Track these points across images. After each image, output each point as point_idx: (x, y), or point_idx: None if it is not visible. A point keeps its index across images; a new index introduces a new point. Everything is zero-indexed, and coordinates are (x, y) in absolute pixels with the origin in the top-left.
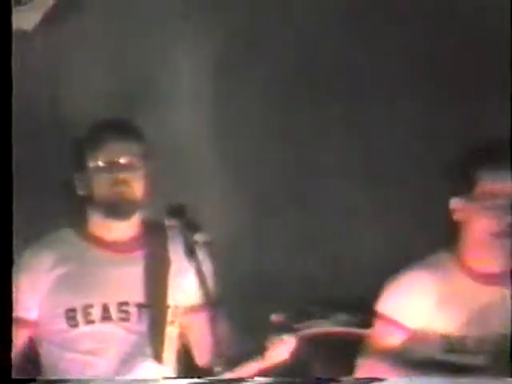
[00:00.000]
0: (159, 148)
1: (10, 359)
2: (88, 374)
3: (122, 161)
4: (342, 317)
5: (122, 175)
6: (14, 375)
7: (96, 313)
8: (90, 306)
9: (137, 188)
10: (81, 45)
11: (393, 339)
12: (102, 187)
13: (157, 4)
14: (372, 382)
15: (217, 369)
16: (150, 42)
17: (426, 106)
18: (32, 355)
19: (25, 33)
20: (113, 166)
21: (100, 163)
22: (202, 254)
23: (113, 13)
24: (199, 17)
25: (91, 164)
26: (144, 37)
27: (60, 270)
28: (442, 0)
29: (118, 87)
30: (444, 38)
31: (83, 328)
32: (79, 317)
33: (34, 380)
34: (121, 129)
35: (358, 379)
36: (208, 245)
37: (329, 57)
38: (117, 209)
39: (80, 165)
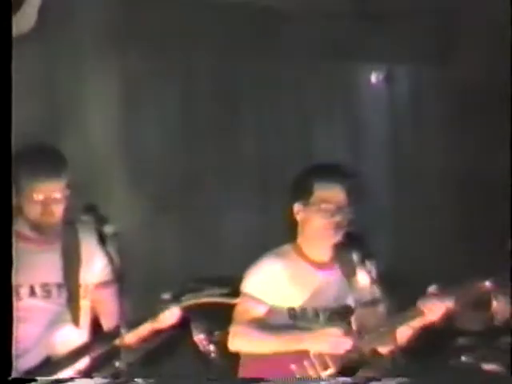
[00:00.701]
0: (78, 161)
1: (10, 359)
2: (18, 335)
3: (53, 196)
4: (215, 290)
5: (51, 208)
6: None
7: (24, 292)
8: (19, 286)
9: (59, 214)
10: None
11: (255, 312)
12: (32, 212)
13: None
14: (370, 381)
15: (122, 330)
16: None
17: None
18: None
19: None
20: (47, 200)
21: (36, 196)
22: (109, 242)
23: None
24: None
25: (28, 192)
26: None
27: None
28: None
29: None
30: None
31: (14, 304)
32: (19, 293)
33: (34, 380)
34: (51, 164)
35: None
36: (114, 235)
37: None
38: (41, 229)
39: (17, 183)
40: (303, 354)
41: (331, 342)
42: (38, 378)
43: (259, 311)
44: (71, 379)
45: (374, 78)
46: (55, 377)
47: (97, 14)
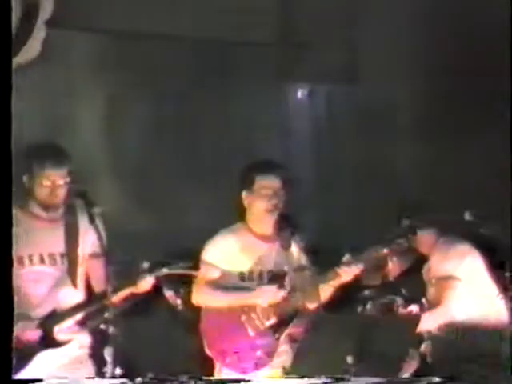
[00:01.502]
0: (74, 158)
1: (10, 359)
2: (31, 292)
3: (58, 183)
4: (182, 264)
5: (56, 191)
6: None
7: (35, 259)
8: (32, 255)
9: (62, 196)
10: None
11: (212, 275)
12: (41, 194)
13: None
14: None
15: (109, 291)
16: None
17: None
18: None
19: None
20: (53, 183)
21: (45, 180)
22: (98, 221)
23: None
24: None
25: (37, 178)
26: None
27: (13, 232)
28: None
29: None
30: None
31: (28, 268)
32: (25, 262)
33: (35, 380)
34: (58, 157)
35: None
36: (101, 215)
37: None
38: (48, 208)
39: (29, 172)
40: (250, 308)
41: (268, 295)
42: (44, 379)
43: (215, 274)
44: (76, 380)
45: (299, 94)
46: (61, 378)
47: (89, 48)
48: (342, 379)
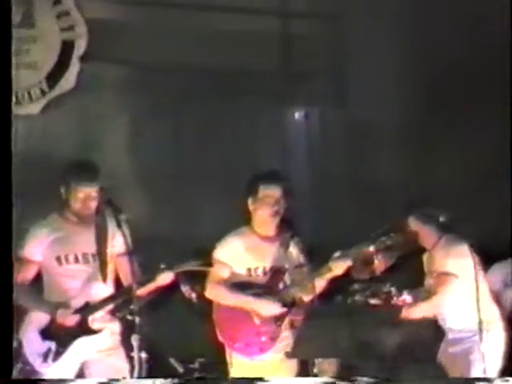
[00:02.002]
0: (104, 173)
1: (10, 359)
2: (68, 287)
3: (90, 195)
4: (196, 262)
5: (88, 203)
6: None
7: (71, 258)
8: (68, 255)
9: (94, 207)
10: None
11: (222, 273)
12: (75, 205)
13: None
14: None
15: (134, 286)
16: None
17: None
18: (35, 284)
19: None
20: (85, 197)
21: (79, 194)
22: (124, 226)
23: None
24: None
25: (73, 191)
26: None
27: (53, 236)
28: None
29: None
30: None
31: (65, 266)
32: (62, 261)
33: (34, 380)
34: (91, 173)
35: None
36: (127, 220)
37: None
38: (81, 216)
39: (66, 186)
40: (258, 306)
41: (268, 309)
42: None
43: (225, 272)
44: (72, 380)
45: (296, 115)
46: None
47: (116, 77)
48: (347, 379)
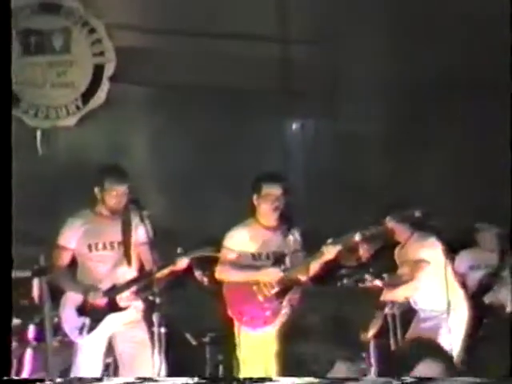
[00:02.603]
0: (131, 177)
1: (9, 359)
2: (97, 271)
3: (120, 194)
4: (208, 248)
5: (119, 200)
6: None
7: (100, 246)
8: (98, 243)
9: (123, 203)
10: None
11: (230, 256)
12: (109, 202)
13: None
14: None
15: (155, 271)
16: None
17: None
18: (70, 268)
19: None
20: (118, 195)
21: (113, 193)
22: (146, 220)
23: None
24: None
25: (108, 190)
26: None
27: (85, 227)
28: None
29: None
30: None
31: (94, 252)
32: (93, 248)
33: (34, 380)
34: (121, 175)
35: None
36: (148, 216)
37: None
38: (113, 211)
39: (100, 185)
40: (259, 282)
41: (271, 275)
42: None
43: (232, 256)
44: (79, 379)
45: (294, 127)
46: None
47: (140, 95)
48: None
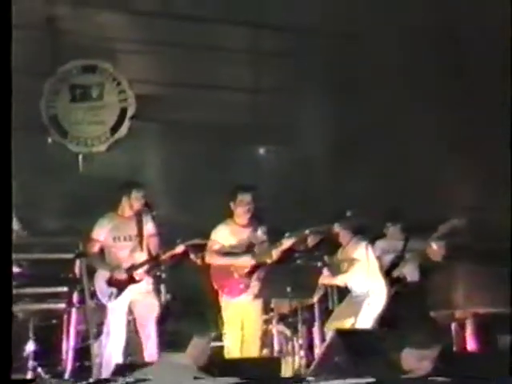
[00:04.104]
0: (146, 186)
1: (10, 360)
2: (119, 256)
3: (139, 200)
4: (200, 239)
5: (138, 203)
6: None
7: (122, 238)
8: (120, 236)
9: (140, 206)
10: None
11: (216, 246)
12: (133, 205)
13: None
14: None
15: (160, 254)
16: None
17: None
18: (100, 254)
19: None
20: (138, 199)
21: (134, 198)
22: (154, 218)
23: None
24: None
25: (132, 197)
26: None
27: (110, 225)
28: None
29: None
30: None
31: (118, 243)
32: (116, 240)
33: (34, 380)
34: (139, 187)
35: None
36: (156, 215)
37: None
38: (133, 211)
39: (128, 195)
40: (235, 264)
41: (242, 262)
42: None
43: (217, 246)
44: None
45: (261, 151)
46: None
47: (155, 127)
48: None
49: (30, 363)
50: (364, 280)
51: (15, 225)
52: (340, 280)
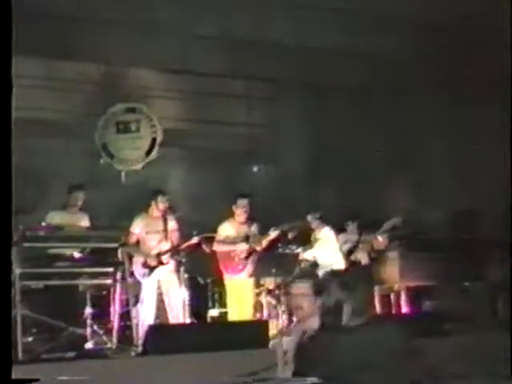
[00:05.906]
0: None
1: (10, 359)
2: (149, 245)
3: (164, 204)
4: (210, 233)
5: (163, 206)
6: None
7: (152, 232)
8: (150, 231)
9: (165, 209)
10: None
11: (221, 237)
12: (159, 208)
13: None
14: None
15: (180, 244)
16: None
17: None
18: (136, 244)
19: None
20: (164, 204)
21: (161, 203)
22: (176, 218)
23: None
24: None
25: (159, 202)
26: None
27: (143, 222)
28: None
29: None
30: None
31: (149, 236)
32: (148, 233)
33: (34, 380)
34: (163, 193)
35: None
36: (180, 216)
37: None
38: (160, 212)
39: (156, 200)
40: (236, 251)
41: (242, 249)
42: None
43: (222, 237)
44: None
45: (255, 169)
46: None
47: (176, 153)
48: None
49: (88, 321)
50: (328, 254)
51: (86, 221)
52: (309, 254)
